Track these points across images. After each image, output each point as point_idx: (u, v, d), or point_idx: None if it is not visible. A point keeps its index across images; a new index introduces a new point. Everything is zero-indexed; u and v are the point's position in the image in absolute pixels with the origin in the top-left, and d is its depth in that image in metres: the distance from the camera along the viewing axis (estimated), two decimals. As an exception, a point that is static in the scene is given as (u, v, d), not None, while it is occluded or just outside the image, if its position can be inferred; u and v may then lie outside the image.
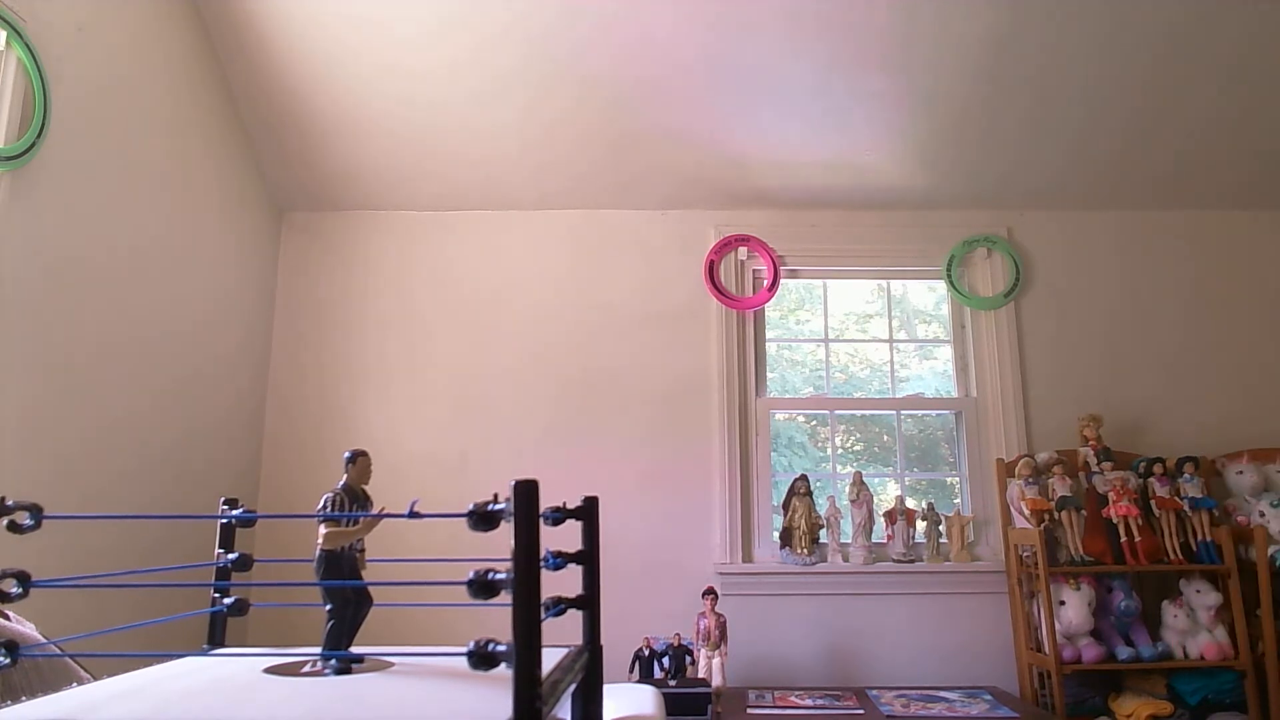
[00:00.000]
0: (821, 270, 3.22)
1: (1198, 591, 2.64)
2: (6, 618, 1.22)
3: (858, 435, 3.54)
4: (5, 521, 0.72)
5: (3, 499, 0.70)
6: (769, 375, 3.16)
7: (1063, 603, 2.60)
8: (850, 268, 3.21)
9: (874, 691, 2.63)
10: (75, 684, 0.84)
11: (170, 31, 2.43)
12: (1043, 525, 2.68)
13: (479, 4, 2.49)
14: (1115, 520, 2.68)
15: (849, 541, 2.90)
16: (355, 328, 3.08)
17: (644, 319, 3.08)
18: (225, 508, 0.93)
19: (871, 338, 3.46)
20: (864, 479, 2.91)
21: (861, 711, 2.40)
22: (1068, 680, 2.54)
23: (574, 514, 0.88)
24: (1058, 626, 2.57)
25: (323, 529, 0.82)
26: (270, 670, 0.79)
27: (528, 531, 0.60)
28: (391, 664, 0.82)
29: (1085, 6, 2.49)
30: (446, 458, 2.96)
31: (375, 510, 0.85)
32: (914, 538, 2.93)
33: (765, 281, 3.11)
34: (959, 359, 3.18)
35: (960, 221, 3.17)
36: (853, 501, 2.90)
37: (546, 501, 0.67)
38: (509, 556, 0.59)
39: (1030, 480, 2.77)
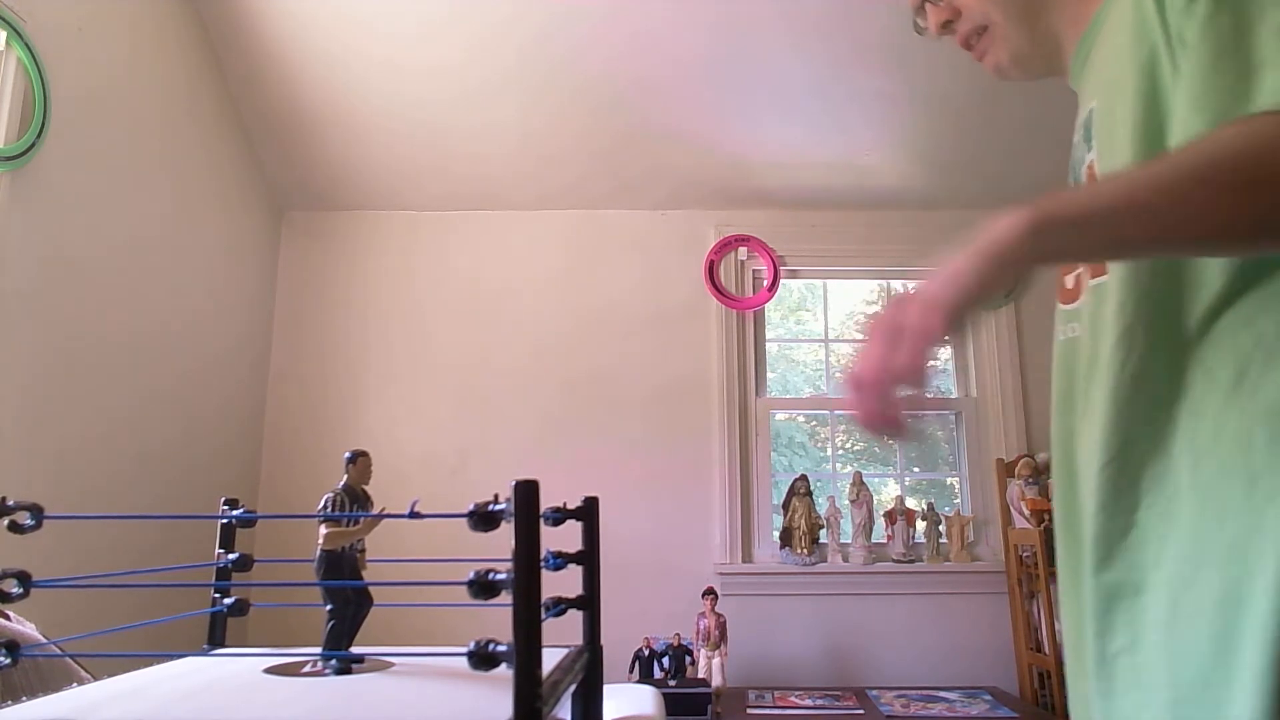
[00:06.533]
0: (822, 270, 3.22)
1: (1198, 591, 2.63)
2: (7, 618, 1.22)
3: (858, 435, 3.53)
4: (5, 521, 0.72)
5: (3, 499, 0.70)
6: (769, 375, 3.16)
7: (1063, 603, 2.60)
8: (850, 268, 3.21)
9: (874, 691, 2.63)
10: (75, 684, 0.84)
11: (169, 31, 2.43)
12: (1043, 525, 2.68)
13: (479, 3, 2.49)
14: (1115, 520, 2.68)
15: (849, 541, 2.90)
16: (355, 327, 3.07)
17: (644, 319, 3.08)
18: (225, 508, 0.93)
19: (871, 338, 3.45)
20: (864, 479, 2.91)
21: (861, 711, 2.40)
22: (1068, 680, 2.54)
23: (574, 514, 0.87)
24: (1058, 626, 2.57)
25: (323, 529, 0.82)
26: (270, 670, 0.79)
27: (528, 532, 0.60)
28: (392, 664, 0.82)
29: (1085, 6, 2.49)
30: (446, 458, 2.96)
31: (375, 510, 0.85)
32: (914, 538, 2.93)
33: (765, 282, 3.11)
34: (959, 359, 3.18)
35: (960, 221, 3.14)
36: (852, 501, 2.90)
37: (546, 501, 0.67)
38: (509, 556, 0.59)
39: (1030, 480, 2.77)
